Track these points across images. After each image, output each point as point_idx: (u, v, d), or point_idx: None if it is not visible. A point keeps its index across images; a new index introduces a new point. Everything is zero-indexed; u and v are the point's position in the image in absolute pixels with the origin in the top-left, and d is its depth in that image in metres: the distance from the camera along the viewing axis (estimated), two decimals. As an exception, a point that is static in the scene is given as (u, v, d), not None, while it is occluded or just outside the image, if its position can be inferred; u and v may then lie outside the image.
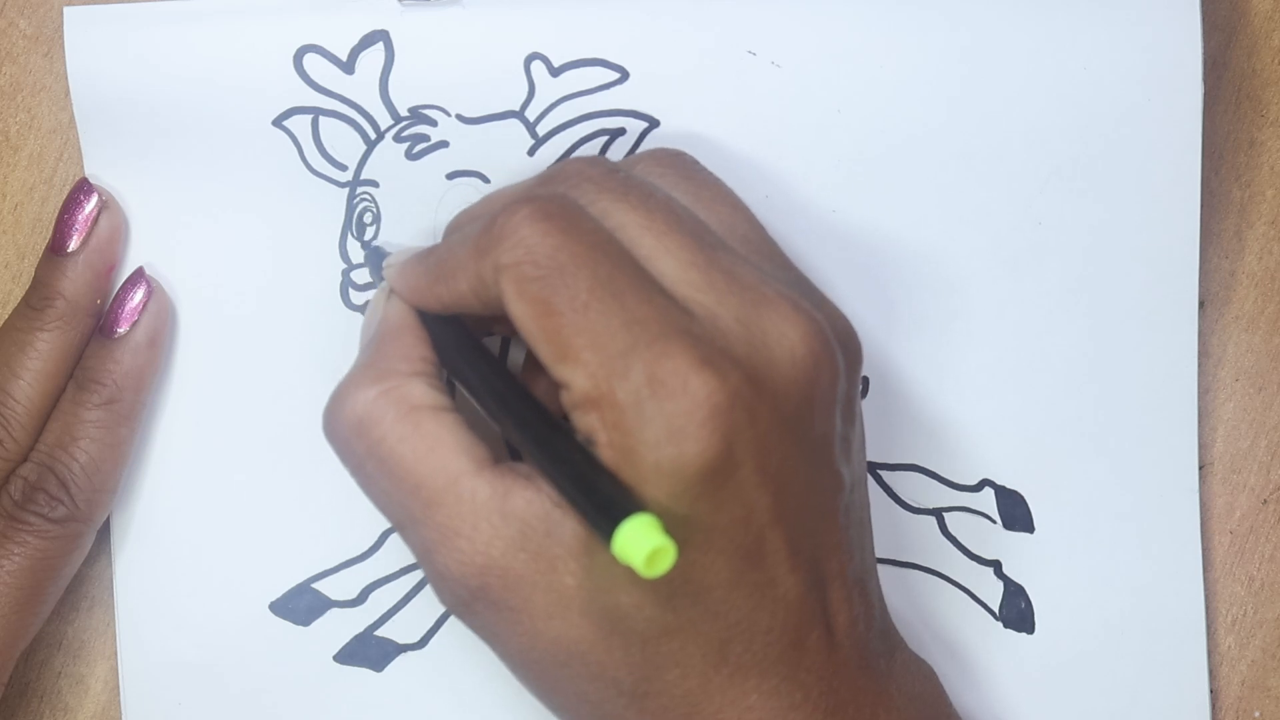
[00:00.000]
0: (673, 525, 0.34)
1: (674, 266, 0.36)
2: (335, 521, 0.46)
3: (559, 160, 0.39)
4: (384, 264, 0.42)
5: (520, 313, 0.35)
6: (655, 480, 0.34)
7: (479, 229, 0.37)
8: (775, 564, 0.36)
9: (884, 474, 0.46)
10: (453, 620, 0.46)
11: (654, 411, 0.34)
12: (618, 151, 0.45)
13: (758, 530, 0.35)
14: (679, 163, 0.40)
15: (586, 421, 0.35)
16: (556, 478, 0.35)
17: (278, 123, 0.45)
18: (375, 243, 0.45)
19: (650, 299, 0.35)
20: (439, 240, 0.45)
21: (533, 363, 0.42)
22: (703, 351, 0.34)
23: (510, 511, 0.36)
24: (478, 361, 0.38)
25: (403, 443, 0.37)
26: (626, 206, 0.37)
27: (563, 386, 0.35)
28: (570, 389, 0.35)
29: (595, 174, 0.38)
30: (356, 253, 0.45)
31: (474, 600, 0.37)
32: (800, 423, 0.36)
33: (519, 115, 0.45)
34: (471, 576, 0.36)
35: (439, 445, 0.37)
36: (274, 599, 0.46)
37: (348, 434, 0.38)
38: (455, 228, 0.42)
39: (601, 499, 0.34)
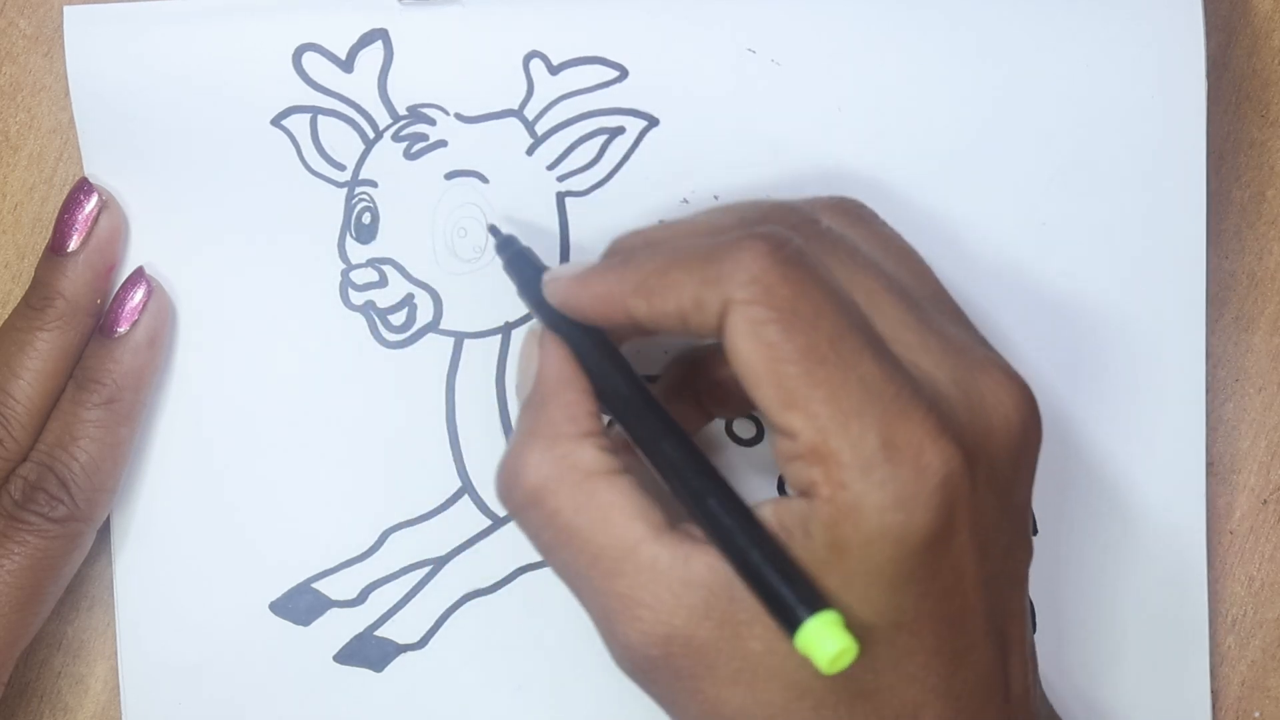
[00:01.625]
0: (889, 591, 0.34)
1: (890, 327, 0.35)
2: (335, 521, 0.46)
3: (750, 204, 0.38)
4: (545, 278, 0.39)
5: (749, 351, 0.34)
6: (879, 544, 0.33)
7: (704, 254, 0.35)
8: (975, 630, 0.35)
9: (884, 474, 0.46)
10: (453, 620, 0.46)
11: (885, 476, 0.33)
12: (617, 150, 0.45)
13: (963, 597, 0.35)
14: (864, 215, 0.40)
15: (808, 475, 0.34)
16: (737, 563, 0.34)
17: (276, 122, 0.45)
18: (508, 232, 0.43)
19: (883, 360, 0.34)
20: (437, 235, 0.45)
21: (672, 387, 0.42)
22: (937, 419, 0.34)
23: (692, 578, 0.35)
24: (652, 422, 0.37)
25: (579, 514, 0.36)
26: (837, 260, 0.36)
27: (782, 434, 0.34)
28: (795, 439, 0.34)
29: (798, 222, 0.37)
30: (355, 253, 0.45)
31: (654, 670, 0.36)
32: (1006, 489, 0.36)
33: (518, 114, 0.45)
34: (654, 645, 0.35)
35: (615, 513, 0.36)
36: (274, 599, 0.46)
37: (524, 504, 0.37)
38: (629, 248, 0.39)
39: (785, 591, 0.33)
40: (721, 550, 0.35)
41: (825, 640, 0.32)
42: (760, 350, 0.34)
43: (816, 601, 0.33)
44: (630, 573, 0.35)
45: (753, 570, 0.34)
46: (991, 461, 0.35)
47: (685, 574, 0.35)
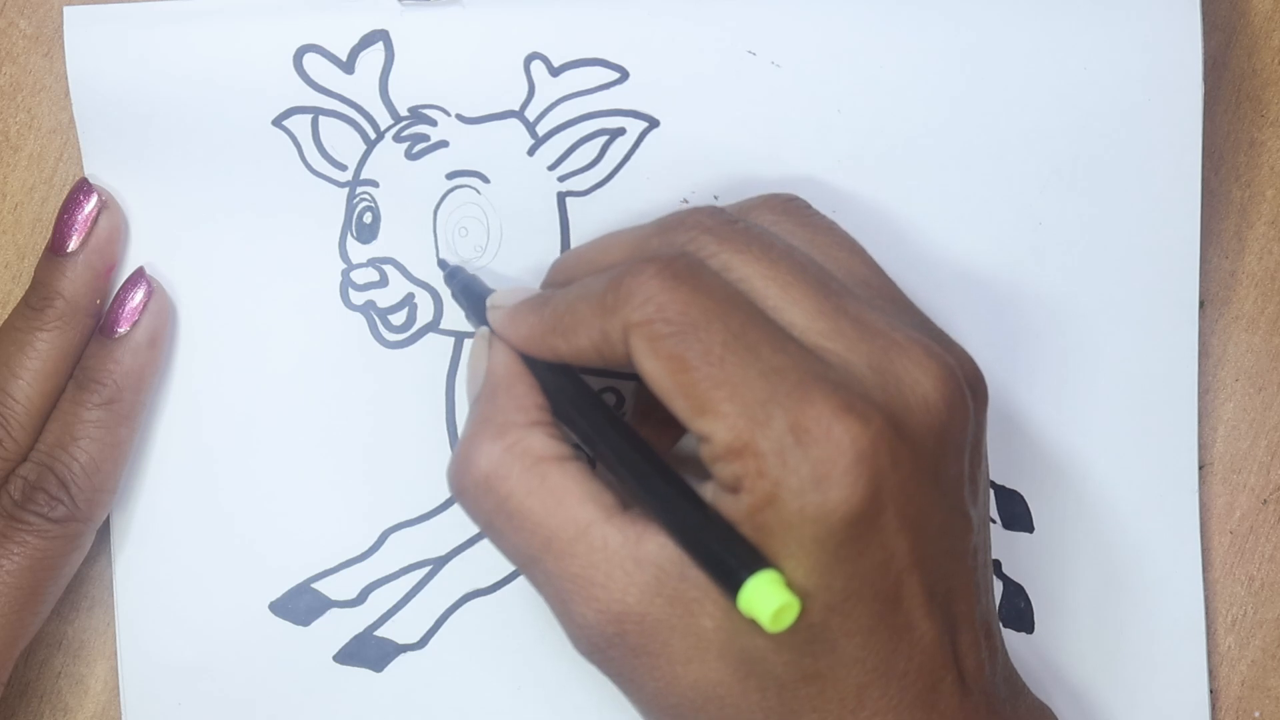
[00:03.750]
0: (816, 572, 0.34)
1: (802, 316, 0.36)
2: (335, 521, 0.46)
3: (673, 212, 0.40)
4: (488, 304, 0.41)
5: (653, 369, 0.35)
6: (801, 527, 0.34)
7: (603, 286, 0.37)
8: (912, 608, 0.36)
9: (884, 474, 0.46)
10: (453, 620, 0.46)
11: (798, 459, 0.34)
12: (618, 151, 0.45)
13: (897, 575, 0.35)
14: (793, 208, 0.40)
15: (729, 471, 0.35)
16: (680, 535, 0.35)
17: (277, 122, 0.45)
18: (455, 263, 0.45)
19: (784, 348, 0.35)
20: (441, 238, 0.45)
21: (639, 410, 0.42)
22: (844, 398, 0.34)
23: (643, 557, 0.36)
24: (591, 412, 0.38)
25: (530, 496, 0.37)
26: (749, 258, 0.37)
27: (702, 440, 0.35)
28: (711, 442, 0.35)
29: (714, 225, 0.38)
30: (356, 253, 0.45)
31: (610, 648, 0.37)
32: (935, 466, 0.36)
33: (519, 115, 0.45)
34: (608, 624, 0.36)
35: (566, 496, 0.37)
36: (274, 599, 0.46)
37: (475, 492, 0.38)
38: (563, 276, 0.42)
39: (726, 555, 0.34)
40: (663, 523, 0.36)
41: (766, 598, 0.33)
42: (662, 365, 0.35)
43: (756, 562, 0.34)
44: (583, 554, 0.36)
45: (694, 538, 0.35)
46: (914, 440, 0.35)
47: (636, 553, 0.36)
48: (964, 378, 0.37)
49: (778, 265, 0.37)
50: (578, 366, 0.39)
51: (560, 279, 0.42)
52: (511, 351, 0.40)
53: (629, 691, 0.38)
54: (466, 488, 0.38)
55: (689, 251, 0.37)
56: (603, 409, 0.38)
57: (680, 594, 0.36)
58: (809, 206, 0.41)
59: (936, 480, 0.36)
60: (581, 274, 0.40)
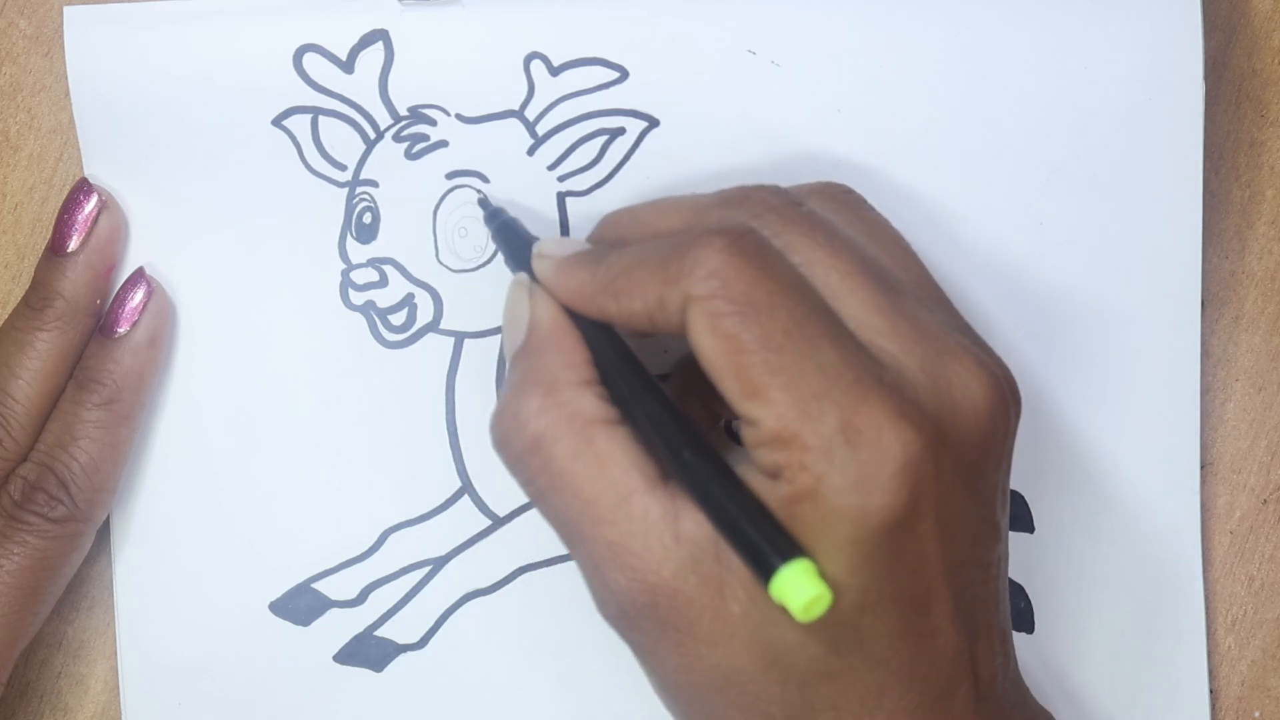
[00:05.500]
0: (850, 571, 0.34)
1: (859, 309, 0.36)
2: (335, 521, 0.46)
3: (735, 186, 0.39)
4: (535, 251, 0.40)
5: (709, 346, 0.35)
6: (839, 525, 0.34)
7: (665, 253, 0.36)
8: (939, 615, 0.36)
9: (884, 474, 0.46)
10: (452, 620, 0.46)
11: (845, 458, 0.34)
12: (618, 151, 0.45)
13: (928, 581, 0.35)
14: (851, 200, 0.40)
15: (772, 459, 0.35)
16: (714, 513, 0.35)
17: (277, 122, 0.45)
18: (496, 204, 0.44)
19: (843, 344, 0.35)
20: (441, 238, 0.45)
21: (679, 383, 0.42)
22: (897, 403, 0.34)
23: (681, 533, 0.36)
24: (632, 376, 0.38)
25: (575, 460, 0.37)
26: (813, 243, 0.37)
27: (747, 424, 0.35)
28: (757, 427, 0.35)
29: (778, 205, 0.38)
30: (356, 253, 0.45)
31: (639, 617, 0.36)
32: (974, 476, 0.36)
33: (519, 115, 0.45)
34: (640, 594, 0.36)
35: (610, 463, 0.36)
36: (274, 599, 0.46)
37: (521, 450, 0.37)
38: (613, 234, 0.41)
39: (760, 540, 0.34)
40: (698, 501, 0.36)
41: (799, 587, 0.33)
42: (719, 343, 0.35)
43: (791, 550, 0.34)
44: (621, 522, 0.36)
45: (728, 520, 0.35)
46: (958, 448, 0.35)
47: (675, 528, 0.36)
48: (1006, 388, 0.37)
49: (840, 255, 0.37)
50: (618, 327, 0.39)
51: (610, 236, 0.41)
52: (555, 304, 0.39)
53: (649, 665, 0.37)
54: (513, 445, 0.38)
55: (754, 229, 0.37)
56: (643, 374, 0.38)
57: (714, 575, 0.35)
58: (864, 200, 0.40)
59: (974, 490, 0.36)
60: (634, 235, 0.40)
